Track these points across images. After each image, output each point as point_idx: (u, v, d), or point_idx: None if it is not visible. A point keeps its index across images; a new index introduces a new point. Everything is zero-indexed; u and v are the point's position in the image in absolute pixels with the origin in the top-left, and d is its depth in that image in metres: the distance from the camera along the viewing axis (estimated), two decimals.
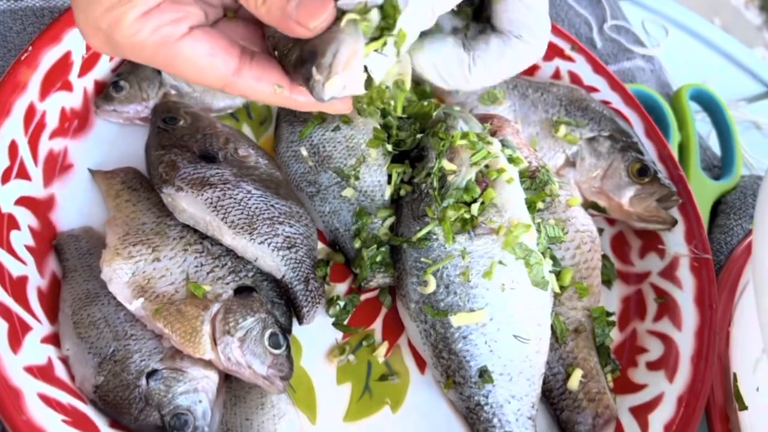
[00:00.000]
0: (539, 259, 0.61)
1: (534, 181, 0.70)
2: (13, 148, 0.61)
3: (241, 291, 0.61)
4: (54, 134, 0.66)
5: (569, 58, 0.84)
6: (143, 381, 0.56)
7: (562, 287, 0.67)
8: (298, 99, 0.51)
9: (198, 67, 0.48)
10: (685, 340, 0.68)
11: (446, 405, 0.64)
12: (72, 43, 0.67)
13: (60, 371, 0.56)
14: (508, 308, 0.61)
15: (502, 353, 0.61)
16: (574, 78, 0.84)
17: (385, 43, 0.46)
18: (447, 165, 0.63)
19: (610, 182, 0.76)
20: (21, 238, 0.59)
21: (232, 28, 0.52)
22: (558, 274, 0.67)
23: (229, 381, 0.60)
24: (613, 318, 0.72)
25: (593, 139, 0.78)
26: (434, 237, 0.62)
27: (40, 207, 0.63)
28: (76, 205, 0.65)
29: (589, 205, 0.77)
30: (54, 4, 0.74)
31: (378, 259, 0.66)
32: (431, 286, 0.61)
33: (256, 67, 0.49)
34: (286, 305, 0.63)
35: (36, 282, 0.59)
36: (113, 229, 0.62)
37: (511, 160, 0.67)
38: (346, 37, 0.43)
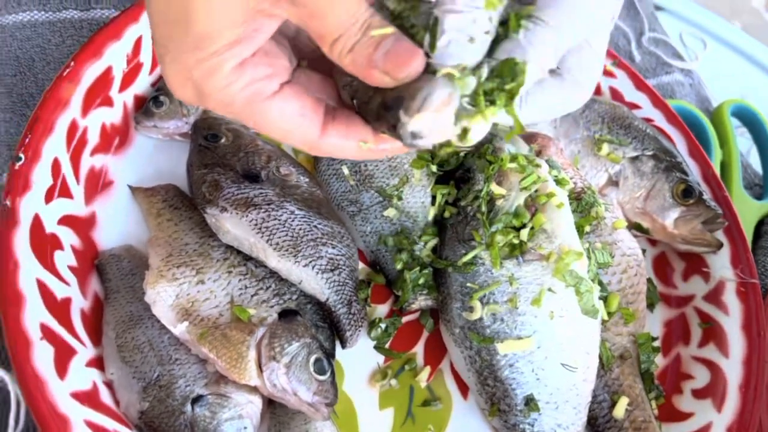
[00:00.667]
0: (590, 287, 0.60)
1: (580, 203, 0.68)
2: (56, 166, 0.61)
3: (286, 314, 0.60)
4: (95, 151, 0.65)
5: (610, 74, 0.83)
6: (188, 407, 0.55)
7: (609, 313, 0.66)
8: (383, 148, 0.49)
9: (287, 128, 0.46)
10: (733, 369, 0.67)
11: None
12: (113, 57, 0.66)
13: (105, 396, 0.55)
14: (556, 336, 0.60)
15: (549, 381, 0.60)
16: (616, 94, 0.83)
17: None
18: (496, 189, 0.62)
19: (654, 203, 0.75)
20: (64, 259, 0.59)
21: (308, 79, 0.50)
22: (604, 300, 0.66)
23: (272, 407, 0.59)
24: (657, 343, 0.71)
25: (636, 158, 0.76)
26: (481, 262, 0.61)
27: (82, 225, 0.62)
28: (117, 224, 0.65)
29: (633, 226, 0.76)
30: (93, 16, 0.74)
31: (421, 281, 0.65)
32: (477, 312, 0.60)
33: (339, 124, 0.47)
34: (330, 329, 0.62)
35: (79, 304, 0.58)
36: (155, 250, 0.61)
37: (557, 181, 0.66)
38: (440, 84, 0.41)
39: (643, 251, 0.76)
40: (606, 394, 0.65)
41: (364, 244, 0.69)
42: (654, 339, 0.71)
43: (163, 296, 0.58)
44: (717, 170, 0.85)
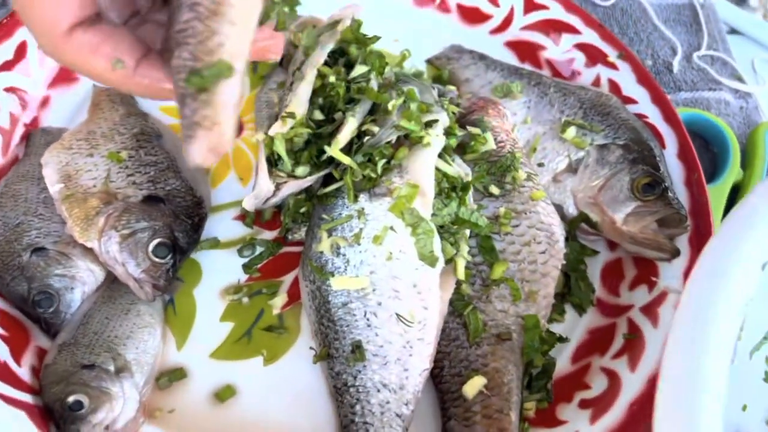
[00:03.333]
0: (429, 229, 0.53)
1: (494, 164, 0.62)
2: (22, 47, 0.69)
3: (151, 199, 0.61)
4: None
5: (612, 66, 0.75)
6: (27, 253, 0.59)
7: (493, 281, 0.58)
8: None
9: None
10: (633, 384, 0.54)
11: (319, 380, 0.57)
12: None
13: None
14: (392, 281, 0.54)
15: (381, 331, 0.54)
16: (613, 87, 0.74)
17: None
18: (370, 125, 0.58)
19: (608, 194, 0.65)
20: None
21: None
22: (490, 267, 0.58)
23: (112, 282, 0.60)
24: (568, 346, 0.60)
25: (604, 146, 0.67)
26: (342, 195, 0.58)
27: (31, 101, 0.70)
28: (68, 112, 0.71)
29: (581, 218, 0.66)
30: None
31: (303, 210, 0.63)
32: (323, 244, 0.56)
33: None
34: (193, 228, 0.62)
35: None
36: (77, 127, 0.67)
37: (448, 133, 0.60)
38: None
39: (596, 252, 0.66)
40: (463, 369, 0.56)
41: None
42: (563, 339, 0.60)
43: (55, 159, 0.63)
44: (726, 189, 0.71)
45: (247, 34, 0.39)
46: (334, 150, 0.55)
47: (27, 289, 0.57)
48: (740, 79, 0.85)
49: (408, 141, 0.58)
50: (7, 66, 0.69)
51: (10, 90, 0.68)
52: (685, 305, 0.38)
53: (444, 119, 0.60)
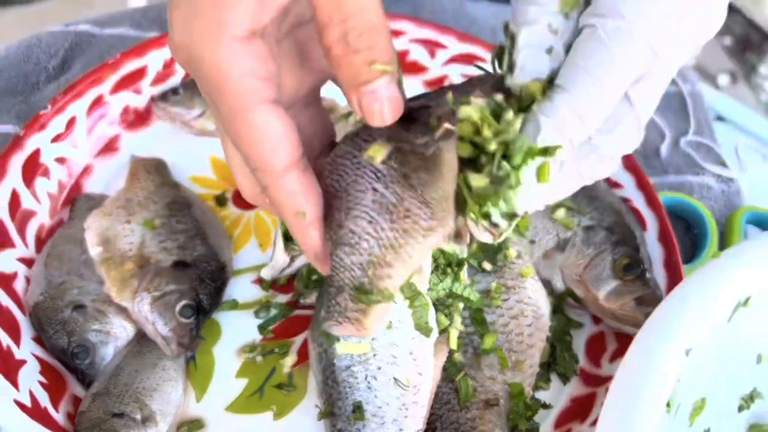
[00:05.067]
0: (425, 302, 0.60)
1: (485, 244, 0.68)
2: (72, 122, 0.78)
3: (180, 265, 0.69)
4: (112, 122, 0.82)
5: None
6: (69, 310, 0.66)
7: (484, 350, 0.64)
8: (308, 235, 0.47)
9: (261, 143, 0.41)
10: None
11: None
12: (153, 60, 0.84)
13: (18, 284, 0.68)
14: (391, 347, 0.60)
15: (380, 394, 0.60)
16: None
17: None
18: None
19: (592, 272, 0.71)
20: (45, 185, 0.75)
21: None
22: (481, 338, 0.64)
23: (142, 338, 0.67)
24: (552, 412, 0.66)
25: (591, 228, 0.74)
26: None
27: (77, 170, 0.78)
28: (107, 181, 0.79)
29: (568, 293, 0.72)
30: None
31: (314, 277, 0.70)
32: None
33: (309, 174, 0.44)
34: (216, 292, 0.69)
35: (41, 219, 0.73)
36: (115, 194, 0.75)
37: None
38: None
39: (581, 325, 0.72)
40: (453, 431, 0.62)
41: None
42: (547, 406, 0.66)
43: (96, 224, 0.70)
44: None
45: (409, 272, 0.49)
46: None
47: (67, 342, 0.64)
48: (723, 164, 0.91)
49: None
50: (59, 137, 0.77)
51: (59, 160, 0.77)
52: (613, 391, 0.45)
53: None
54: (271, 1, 0.40)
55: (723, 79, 1.74)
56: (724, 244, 0.81)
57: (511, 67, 0.45)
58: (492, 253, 0.69)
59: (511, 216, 0.47)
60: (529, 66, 0.44)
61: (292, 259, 0.65)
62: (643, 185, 0.78)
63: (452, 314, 0.63)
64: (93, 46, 0.94)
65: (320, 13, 0.39)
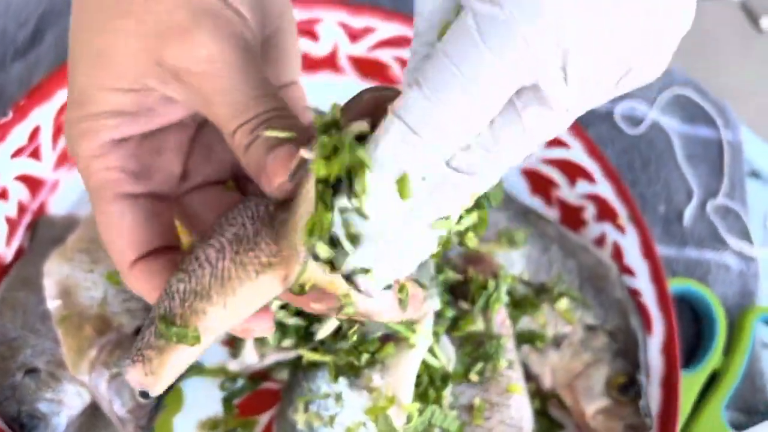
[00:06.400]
0: None
1: (476, 350, 0.63)
2: (36, 132, 0.69)
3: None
4: None
5: (620, 228, 0.75)
6: (20, 374, 0.61)
7: None
8: None
9: (107, 236, 0.43)
10: None
11: None
12: None
13: None
14: None
15: None
16: (617, 253, 0.74)
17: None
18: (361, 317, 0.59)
19: (583, 383, 0.67)
20: (2, 209, 0.67)
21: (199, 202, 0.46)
22: None
23: (96, 409, 0.63)
24: None
25: (592, 327, 0.69)
26: (324, 368, 0.60)
27: (39, 187, 0.71)
28: (76, 194, 0.72)
29: (553, 395, 0.68)
30: None
31: (284, 334, 0.64)
32: (299, 417, 0.59)
33: (147, 267, 0.42)
34: None
35: None
36: (79, 230, 0.68)
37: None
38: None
39: (563, 429, 0.69)
40: None
41: None
42: None
43: (55, 271, 0.64)
44: (702, 377, 0.73)
45: (233, 321, 0.40)
46: (309, 355, 0.57)
47: (17, 410, 0.60)
48: (748, 237, 0.84)
49: (394, 337, 0.59)
50: (21, 151, 0.69)
51: (20, 178, 0.69)
52: None
53: (435, 305, 0.61)
54: (141, 121, 0.41)
55: (766, 22, 1.60)
56: (731, 340, 0.76)
57: None
58: (483, 360, 0.63)
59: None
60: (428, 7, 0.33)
61: (262, 357, 0.60)
62: (657, 278, 0.72)
63: None
64: (67, 13, 0.82)
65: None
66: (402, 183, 0.32)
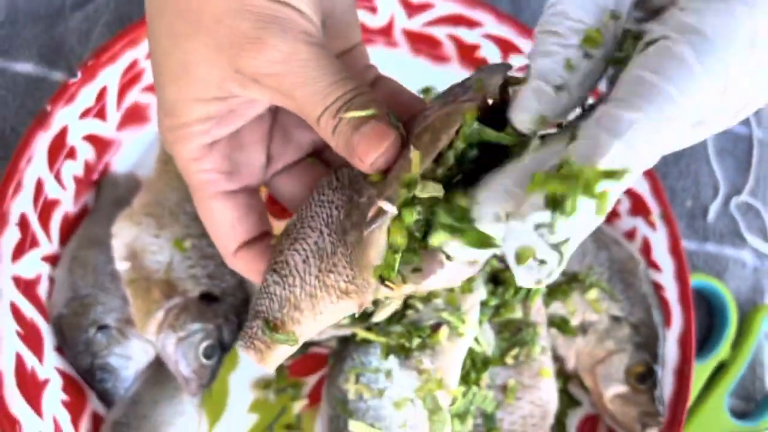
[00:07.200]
0: (444, 419, 0.61)
1: (513, 335, 0.69)
2: (102, 92, 0.71)
3: (207, 297, 0.68)
4: (147, 89, 0.75)
5: (652, 224, 0.79)
6: (93, 330, 0.66)
7: None
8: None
9: (211, 229, 0.47)
10: None
11: None
12: None
13: (42, 289, 0.67)
14: None
15: None
16: (645, 247, 0.78)
17: None
18: (416, 302, 0.64)
19: (604, 369, 0.73)
20: (71, 168, 0.70)
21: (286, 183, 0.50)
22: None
23: (160, 364, 0.68)
24: None
25: (617, 318, 0.74)
26: (375, 344, 0.65)
27: (104, 146, 0.73)
28: (137, 155, 0.74)
29: (575, 376, 0.74)
30: None
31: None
32: (350, 386, 0.64)
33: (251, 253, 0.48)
34: (239, 327, 0.69)
35: (66, 207, 0.70)
36: (144, 193, 0.71)
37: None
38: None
39: (580, 404, 0.75)
40: None
41: None
42: None
43: (124, 233, 0.68)
44: (710, 367, 0.79)
45: (320, 328, 0.46)
46: (363, 333, 0.62)
47: (90, 363, 0.65)
48: (764, 236, 0.89)
49: (445, 324, 0.64)
50: (88, 112, 0.71)
51: (88, 138, 0.71)
52: None
53: (481, 295, 0.66)
54: (228, 122, 0.44)
55: None
56: (740, 334, 0.82)
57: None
58: (519, 346, 0.69)
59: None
60: (530, 104, 0.37)
61: (320, 333, 0.65)
62: (681, 276, 0.76)
63: (466, 420, 0.65)
64: None
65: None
66: (602, 199, 0.33)
